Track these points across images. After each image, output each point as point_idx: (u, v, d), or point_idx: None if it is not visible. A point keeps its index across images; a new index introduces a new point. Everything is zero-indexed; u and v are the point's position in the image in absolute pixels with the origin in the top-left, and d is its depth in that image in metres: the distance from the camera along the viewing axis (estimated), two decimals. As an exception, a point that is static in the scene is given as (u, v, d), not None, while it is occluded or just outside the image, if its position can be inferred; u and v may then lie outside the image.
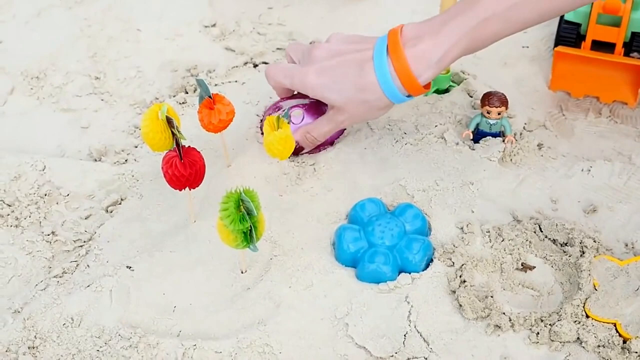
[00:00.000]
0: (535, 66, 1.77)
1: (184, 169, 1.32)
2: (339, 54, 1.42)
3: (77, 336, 1.28)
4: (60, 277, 1.38)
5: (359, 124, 1.59)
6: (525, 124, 1.61)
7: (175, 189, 1.35)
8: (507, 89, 1.65)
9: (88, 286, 1.34)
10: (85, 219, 1.48)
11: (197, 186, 1.36)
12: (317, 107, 1.54)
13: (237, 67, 1.78)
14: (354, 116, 1.45)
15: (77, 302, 1.32)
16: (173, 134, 1.37)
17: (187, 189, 1.36)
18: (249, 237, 1.25)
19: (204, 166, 1.35)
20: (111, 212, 1.49)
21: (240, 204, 1.22)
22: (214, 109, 1.41)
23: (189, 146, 1.35)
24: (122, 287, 1.34)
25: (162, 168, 1.33)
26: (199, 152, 1.35)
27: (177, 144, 1.32)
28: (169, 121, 1.37)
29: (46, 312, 1.31)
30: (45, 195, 1.51)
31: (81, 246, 1.44)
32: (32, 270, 1.40)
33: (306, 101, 1.56)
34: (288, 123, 1.38)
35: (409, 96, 1.41)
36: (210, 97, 1.41)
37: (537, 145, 1.57)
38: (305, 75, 1.43)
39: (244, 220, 1.22)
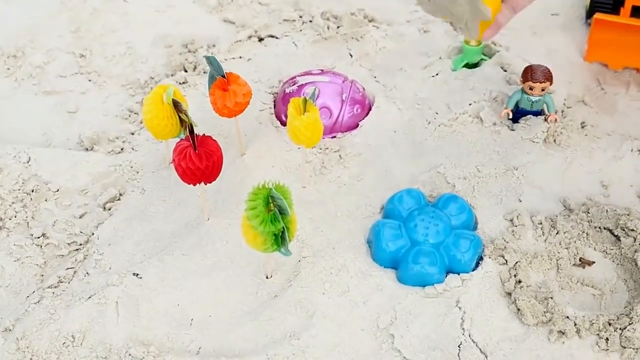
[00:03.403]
0: (567, 35, 1.61)
1: (200, 161, 1.14)
2: None
3: (79, 357, 1.11)
4: (55, 287, 1.20)
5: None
6: (565, 99, 1.46)
7: (189, 184, 1.17)
8: (540, 61, 1.49)
9: (89, 298, 1.17)
10: (80, 217, 1.30)
11: (214, 180, 1.18)
12: (332, 86, 1.39)
13: (240, 41, 1.59)
14: None
15: (77, 317, 1.15)
16: (181, 120, 1.20)
17: (202, 183, 1.18)
18: (280, 239, 1.08)
19: (221, 157, 1.17)
20: (109, 209, 1.31)
21: (271, 201, 1.05)
22: (228, 91, 1.23)
23: (204, 134, 1.17)
24: (129, 298, 1.17)
25: (174, 160, 1.15)
26: (215, 141, 1.17)
27: (191, 131, 1.14)
28: (176, 105, 1.19)
29: (42, 330, 1.13)
30: (32, 191, 1.32)
31: (77, 250, 1.26)
32: (22, 280, 1.22)
33: (326, 78, 1.39)
34: (314, 104, 1.20)
35: None
36: (223, 76, 1.23)
37: (581, 124, 1.42)
38: None
39: (276, 220, 1.05)
